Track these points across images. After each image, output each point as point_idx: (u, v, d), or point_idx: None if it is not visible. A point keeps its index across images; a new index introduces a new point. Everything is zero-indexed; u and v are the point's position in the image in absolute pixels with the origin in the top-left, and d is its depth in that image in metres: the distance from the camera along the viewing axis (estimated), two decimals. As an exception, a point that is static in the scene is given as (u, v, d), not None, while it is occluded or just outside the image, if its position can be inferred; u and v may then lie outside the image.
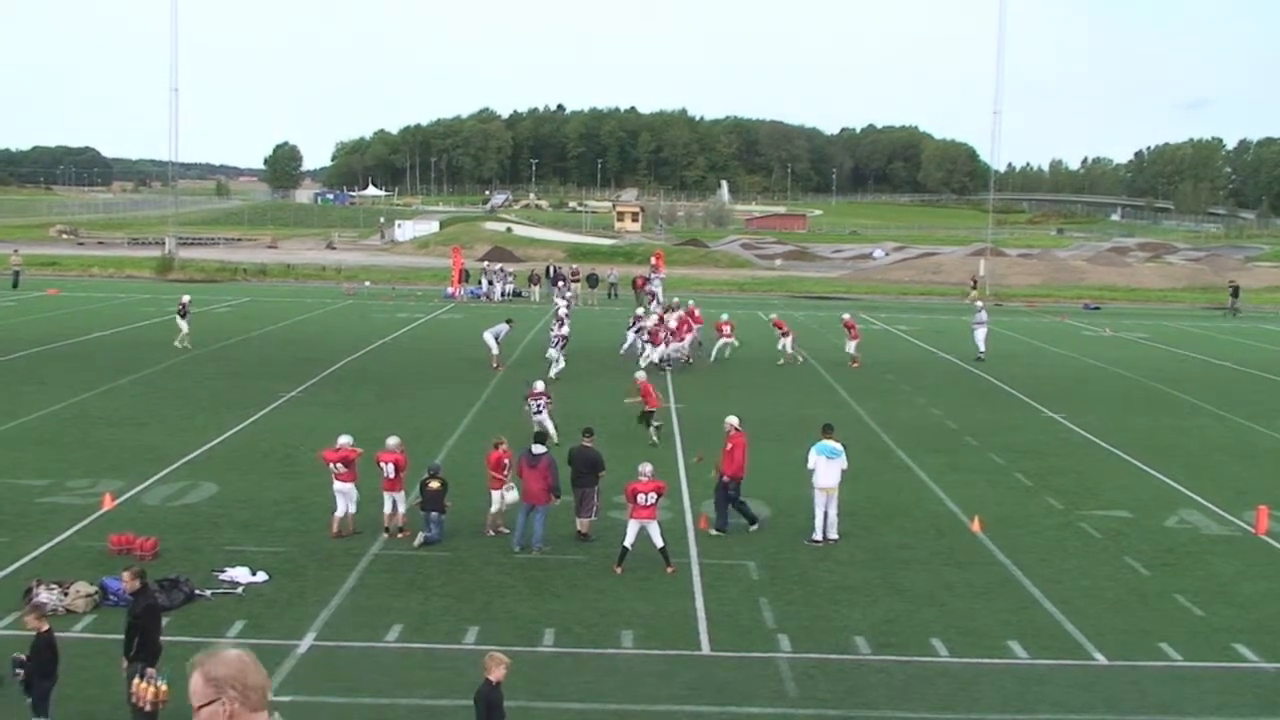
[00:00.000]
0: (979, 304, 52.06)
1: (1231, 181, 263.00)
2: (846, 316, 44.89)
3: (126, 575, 13.80)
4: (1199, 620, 17.36)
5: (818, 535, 20.57)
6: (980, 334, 46.01)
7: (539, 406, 27.86)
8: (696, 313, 44.17)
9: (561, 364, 37.00)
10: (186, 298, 44.16)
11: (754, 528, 20.94)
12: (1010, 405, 35.79)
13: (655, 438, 28.12)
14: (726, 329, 42.01)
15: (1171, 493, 25.15)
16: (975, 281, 78.16)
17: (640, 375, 30.60)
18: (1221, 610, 17.79)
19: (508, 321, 40.55)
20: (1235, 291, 73.07)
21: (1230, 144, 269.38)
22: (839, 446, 20.80)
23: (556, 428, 27.33)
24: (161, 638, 13.53)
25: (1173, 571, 19.71)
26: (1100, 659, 15.84)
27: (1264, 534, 21.92)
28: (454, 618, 16.59)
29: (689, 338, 41.47)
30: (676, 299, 48.91)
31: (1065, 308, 71.87)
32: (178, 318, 42.36)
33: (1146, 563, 20.10)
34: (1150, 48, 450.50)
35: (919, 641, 16.23)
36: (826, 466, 20.58)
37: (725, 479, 21.10)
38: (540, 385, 28.79)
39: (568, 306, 45.42)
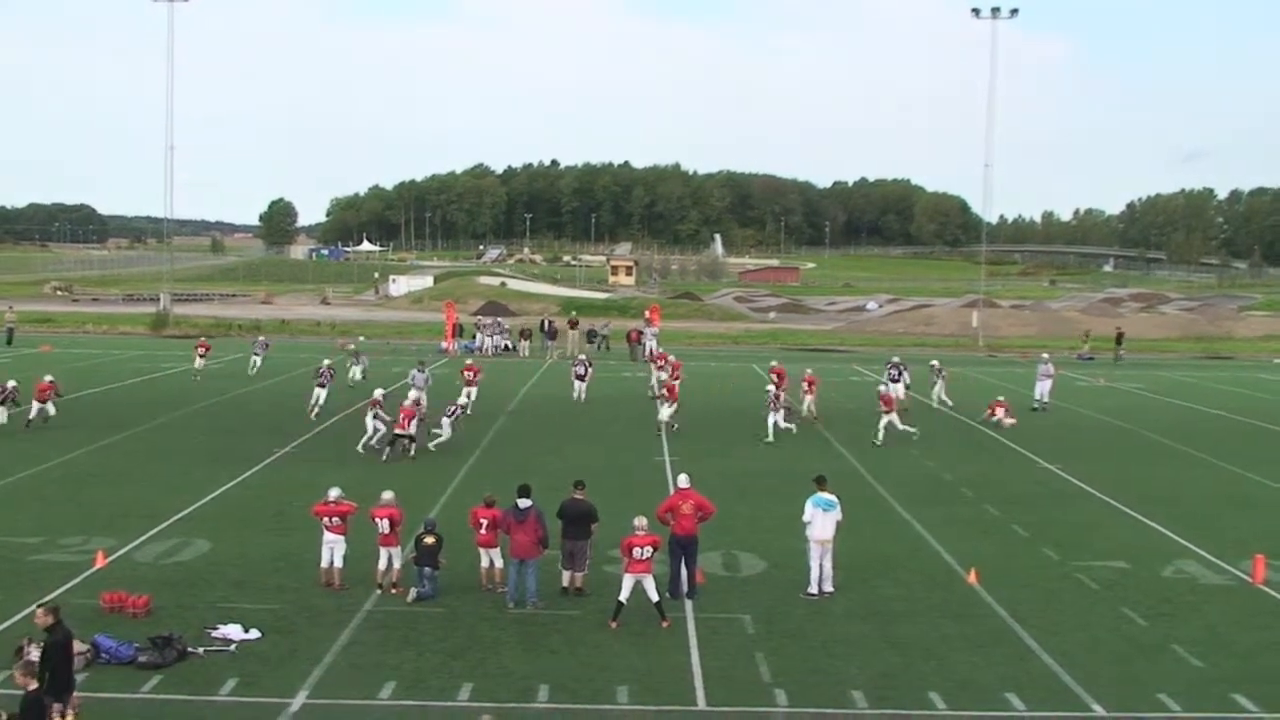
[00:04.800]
0: (1044, 355, 52.17)
1: (1224, 231, 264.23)
2: (808, 371, 43.89)
3: (40, 612, 13.87)
4: (1198, 671, 17.26)
5: (813, 588, 20.45)
6: (1045, 385, 46.64)
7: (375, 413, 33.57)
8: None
9: (446, 434, 34.28)
10: (11, 383, 37.20)
11: (670, 597, 19.72)
12: (1006, 456, 35.75)
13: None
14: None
15: (1168, 543, 25.08)
16: (1088, 334, 77.90)
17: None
18: (1220, 660, 17.69)
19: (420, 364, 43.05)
20: (1119, 339, 73.34)
21: (1222, 194, 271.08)
22: (834, 499, 20.70)
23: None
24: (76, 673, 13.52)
25: (1170, 622, 19.62)
26: (1099, 710, 15.73)
27: (1261, 583, 21.84)
28: (448, 674, 16.46)
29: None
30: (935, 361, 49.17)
31: (1059, 358, 71.88)
32: None
33: (1144, 613, 20.01)
34: (1141, 99, 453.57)
35: (917, 695, 16.11)
36: (823, 519, 20.47)
37: (675, 538, 20.20)
38: (379, 393, 35.05)
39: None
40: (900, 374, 44.51)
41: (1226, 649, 18.24)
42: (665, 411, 38.21)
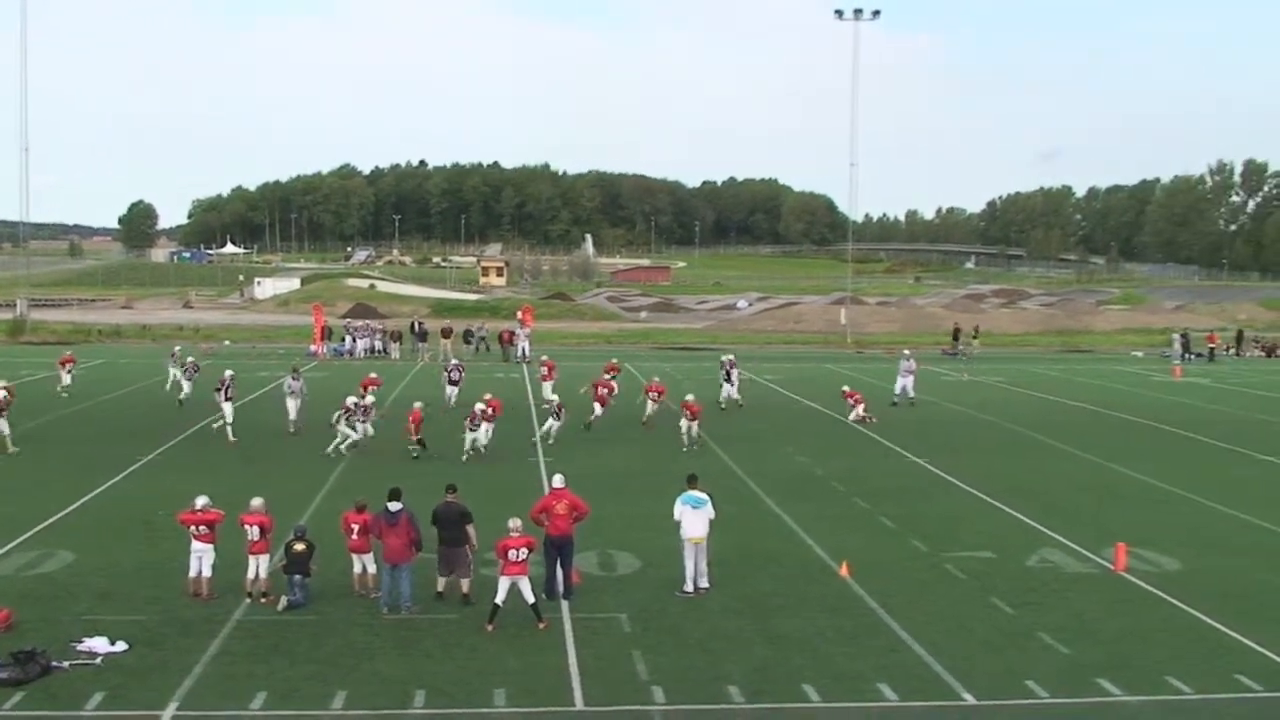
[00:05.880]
0: (905, 351, 52.61)
1: (1082, 228, 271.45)
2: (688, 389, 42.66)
3: None
4: (1064, 657, 17.66)
5: (688, 586, 20.54)
6: (907, 381, 47.15)
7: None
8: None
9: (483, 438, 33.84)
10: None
11: (546, 598, 19.64)
12: (874, 450, 36.28)
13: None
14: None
15: (1033, 532, 25.64)
16: (977, 330, 79.31)
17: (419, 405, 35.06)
18: (1086, 647, 18.12)
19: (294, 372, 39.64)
20: (956, 334, 75.48)
21: (1080, 191, 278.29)
22: (704, 496, 20.78)
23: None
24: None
25: (1036, 610, 20.05)
26: (969, 699, 16.02)
27: (1123, 570, 22.42)
28: (321, 683, 16.22)
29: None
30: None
31: (924, 354, 73.14)
32: None
33: (1011, 602, 20.42)
34: (1001, 99, 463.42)
35: (791, 688, 16.26)
36: (693, 517, 20.56)
37: (550, 538, 20.21)
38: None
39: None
40: (730, 374, 45.02)
41: (1091, 636, 18.69)
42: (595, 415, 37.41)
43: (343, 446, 33.48)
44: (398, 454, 33.20)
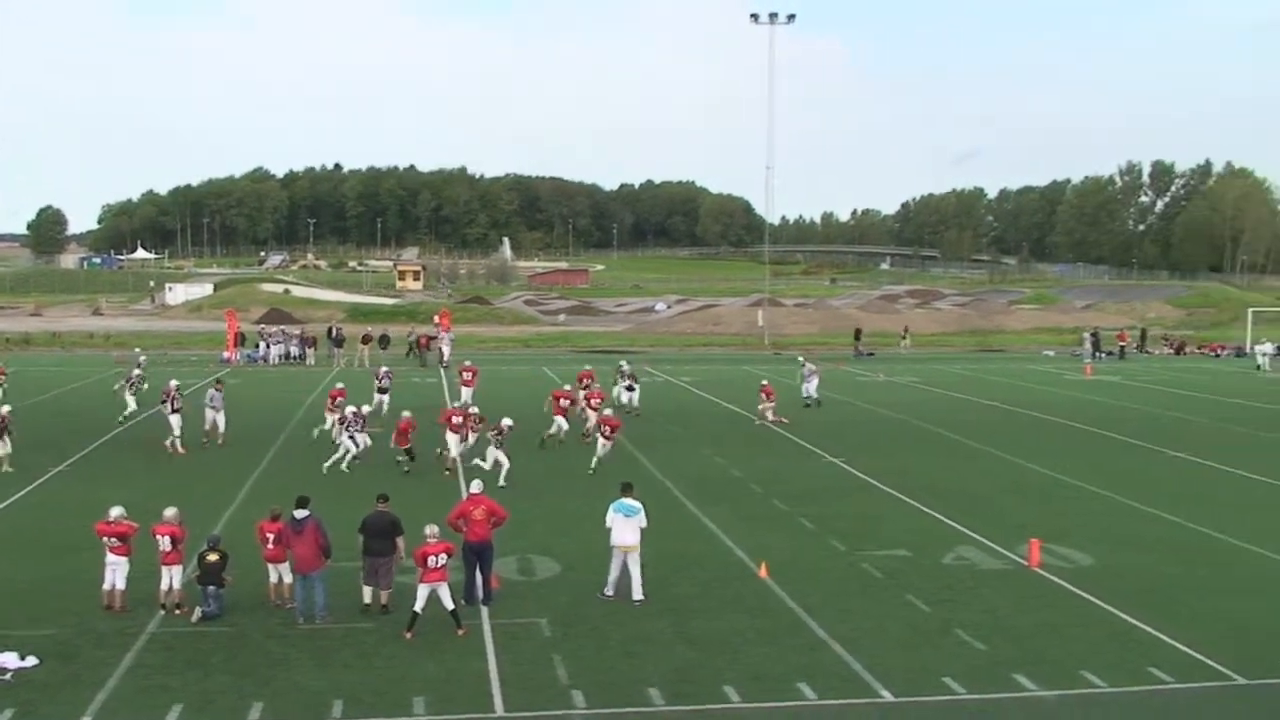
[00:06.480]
0: (800, 358, 52.75)
1: (994, 229, 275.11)
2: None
3: None
4: (980, 653, 17.86)
5: (610, 590, 20.52)
6: (810, 384, 47.42)
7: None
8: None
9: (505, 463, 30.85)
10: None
11: (465, 604, 19.53)
12: (791, 452, 36.49)
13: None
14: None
15: (948, 530, 25.92)
16: (906, 330, 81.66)
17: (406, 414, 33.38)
18: (1001, 643, 18.33)
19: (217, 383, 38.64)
20: (858, 335, 77.72)
21: (991, 193, 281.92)
22: (637, 505, 20.72)
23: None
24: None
25: (952, 607, 20.25)
26: (887, 696, 16.14)
27: (1037, 566, 22.72)
28: (236, 694, 16.01)
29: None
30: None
31: (840, 355, 73.76)
32: None
33: (927, 599, 20.62)
34: (915, 102, 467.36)
35: (712, 690, 16.30)
36: (623, 525, 20.51)
37: (469, 544, 20.17)
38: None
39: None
40: (633, 385, 44.48)
41: (1006, 631, 18.92)
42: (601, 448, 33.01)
43: (343, 463, 32.12)
44: (313, 462, 32.85)
